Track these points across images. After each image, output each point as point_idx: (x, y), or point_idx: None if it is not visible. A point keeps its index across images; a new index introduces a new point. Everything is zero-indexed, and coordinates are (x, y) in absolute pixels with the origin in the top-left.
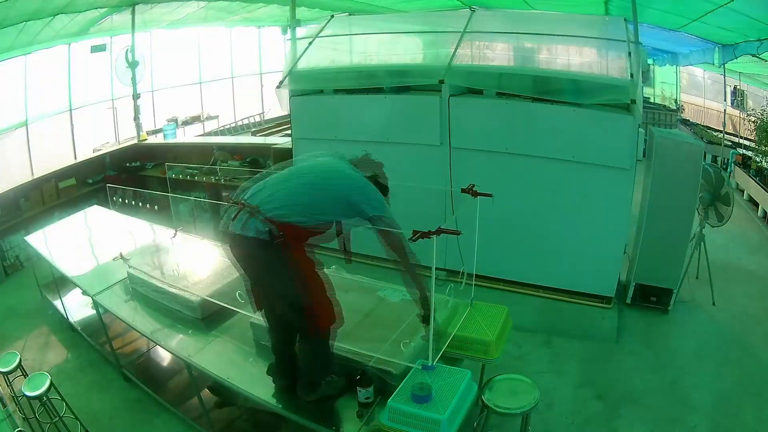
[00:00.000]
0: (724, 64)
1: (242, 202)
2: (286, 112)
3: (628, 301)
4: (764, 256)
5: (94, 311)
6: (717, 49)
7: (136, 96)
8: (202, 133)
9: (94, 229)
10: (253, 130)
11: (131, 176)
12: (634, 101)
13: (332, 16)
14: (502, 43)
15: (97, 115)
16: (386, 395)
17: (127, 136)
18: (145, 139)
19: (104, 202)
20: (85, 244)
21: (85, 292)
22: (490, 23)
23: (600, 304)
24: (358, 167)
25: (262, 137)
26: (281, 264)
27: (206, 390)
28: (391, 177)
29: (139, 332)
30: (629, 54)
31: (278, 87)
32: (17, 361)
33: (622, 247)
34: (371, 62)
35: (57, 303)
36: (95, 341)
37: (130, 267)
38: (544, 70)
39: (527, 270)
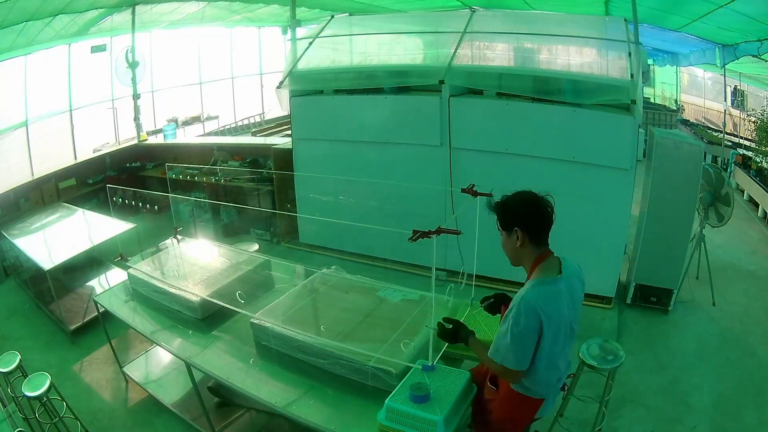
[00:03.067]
0: (725, 65)
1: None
2: (286, 113)
3: (628, 301)
4: (764, 256)
5: (95, 312)
6: (717, 49)
7: (136, 96)
8: (202, 133)
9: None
10: (253, 130)
11: (131, 176)
12: (634, 101)
13: (332, 17)
14: (502, 43)
15: (97, 115)
16: (385, 394)
17: (128, 137)
18: (145, 140)
19: (104, 203)
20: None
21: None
22: (490, 23)
23: (600, 305)
24: None
25: (263, 137)
26: None
27: (206, 390)
28: (391, 177)
29: (139, 332)
30: (629, 54)
31: (278, 87)
32: (17, 361)
33: (622, 247)
34: (371, 62)
35: (53, 306)
36: (95, 341)
37: (130, 267)
38: (544, 70)
39: None
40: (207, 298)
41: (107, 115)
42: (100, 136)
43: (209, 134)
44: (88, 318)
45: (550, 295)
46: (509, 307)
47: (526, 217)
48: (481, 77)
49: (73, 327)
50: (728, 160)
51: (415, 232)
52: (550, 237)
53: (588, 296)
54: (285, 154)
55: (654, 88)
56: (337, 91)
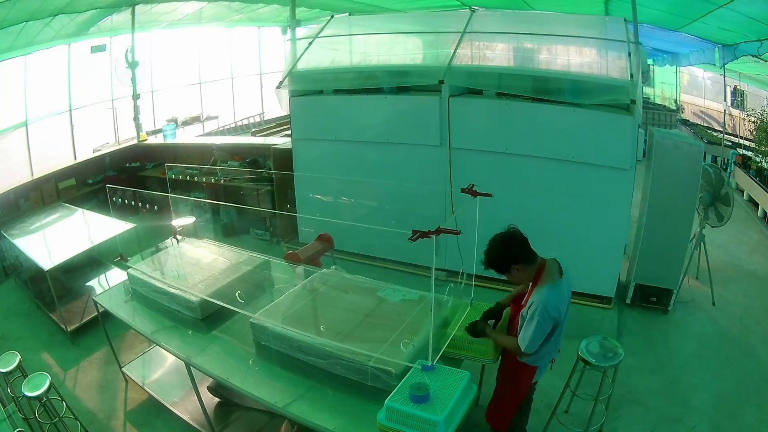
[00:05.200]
0: (724, 65)
1: None
2: (286, 113)
3: (628, 301)
4: (764, 256)
5: (95, 312)
6: (717, 49)
7: (135, 96)
8: (202, 133)
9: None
10: (253, 130)
11: (131, 176)
12: (633, 101)
13: (332, 17)
14: (502, 43)
15: (97, 115)
16: (385, 394)
17: (127, 137)
18: (145, 140)
19: (104, 203)
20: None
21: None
22: (490, 23)
23: (600, 305)
24: None
25: (262, 137)
26: None
27: (206, 390)
28: (391, 177)
29: (139, 333)
30: (629, 54)
31: (278, 87)
32: (17, 361)
33: (622, 247)
34: (371, 62)
35: (53, 306)
36: (95, 342)
37: (130, 267)
38: (544, 70)
39: None
40: (207, 298)
41: (107, 115)
42: (100, 136)
43: (209, 134)
44: (88, 318)
45: (560, 296)
46: (527, 304)
47: (514, 255)
48: (481, 77)
49: (72, 327)
50: (728, 160)
51: (414, 232)
52: (549, 237)
53: (588, 296)
54: (285, 154)
55: (654, 88)
56: (336, 91)
